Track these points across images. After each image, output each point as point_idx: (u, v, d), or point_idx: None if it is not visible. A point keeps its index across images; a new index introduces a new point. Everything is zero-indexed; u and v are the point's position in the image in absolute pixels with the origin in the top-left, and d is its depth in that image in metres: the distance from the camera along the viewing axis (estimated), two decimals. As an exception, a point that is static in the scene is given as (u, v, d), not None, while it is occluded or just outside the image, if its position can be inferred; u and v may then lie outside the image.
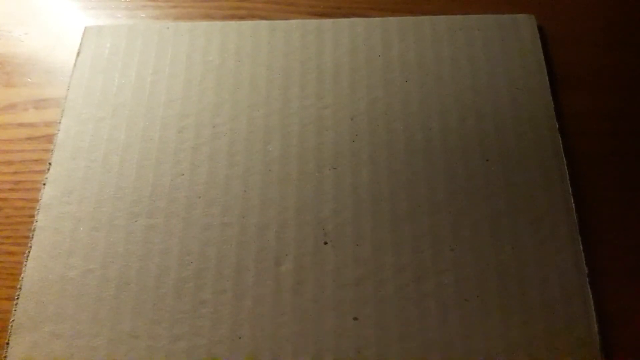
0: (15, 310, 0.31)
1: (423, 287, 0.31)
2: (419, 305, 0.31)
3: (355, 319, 0.30)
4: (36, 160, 0.36)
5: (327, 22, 0.40)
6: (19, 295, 0.32)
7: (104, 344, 0.30)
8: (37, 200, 0.34)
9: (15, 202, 0.35)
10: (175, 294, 0.31)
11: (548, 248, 0.32)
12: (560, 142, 0.35)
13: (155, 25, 0.40)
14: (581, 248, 0.32)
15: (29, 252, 0.33)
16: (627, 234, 0.33)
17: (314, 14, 0.41)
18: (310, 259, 0.32)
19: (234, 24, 0.40)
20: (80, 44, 0.39)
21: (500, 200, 0.33)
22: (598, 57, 0.39)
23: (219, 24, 0.40)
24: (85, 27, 0.40)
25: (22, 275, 0.32)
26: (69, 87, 0.38)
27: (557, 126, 0.35)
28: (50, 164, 0.35)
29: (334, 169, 0.34)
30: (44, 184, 0.35)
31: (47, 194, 0.34)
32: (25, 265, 0.32)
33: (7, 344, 0.30)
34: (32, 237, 0.33)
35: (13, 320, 0.31)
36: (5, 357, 0.30)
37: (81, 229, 0.33)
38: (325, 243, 0.32)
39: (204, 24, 0.40)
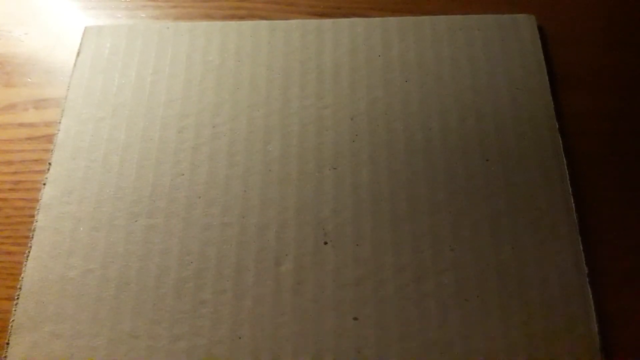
0: (15, 310, 0.31)
1: (423, 287, 0.31)
2: (419, 305, 0.31)
3: (355, 319, 0.30)
4: (36, 160, 0.36)
5: (327, 22, 0.40)
6: (19, 295, 0.32)
7: (104, 344, 0.30)
8: (37, 200, 0.34)
9: (15, 202, 0.35)
10: (175, 294, 0.31)
11: (548, 248, 0.32)
12: (560, 142, 0.35)
13: (155, 25, 0.40)
14: (581, 248, 0.32)
15: (29, 252, 0.33)
16: (627, 234, 0.33)
17: (314, 14, 0.41)
18: (310, 259, 0.32)
19: (234, 24, 0.40)
20: (80, 44, 0.39)
21: (500, 200, 0.33)
22: (598, 57, 0.39)
23: (219, 24, 0.40)
24: (85, 27, 0.40)
25: (22, 275, 0.32)
26: (69, 87, 0.38)
27: (557, 126, 0.35)
28: (50, 164, 0.35)
29: (334, 169, 0.34)
30: (44, 184, 0.35)
31: (47, 194, 0.34)
32: (25, 265, 0.32)
33: (7, 344, 0.30)
34: (32, 237, 0.33)
35: (13, 320, 0.31)
36: (5, 357, 0.30)
37: (81, 229, 0.33)
38: (325, 243, 0.32)
39: (204, 24, 0.40)
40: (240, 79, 0.38)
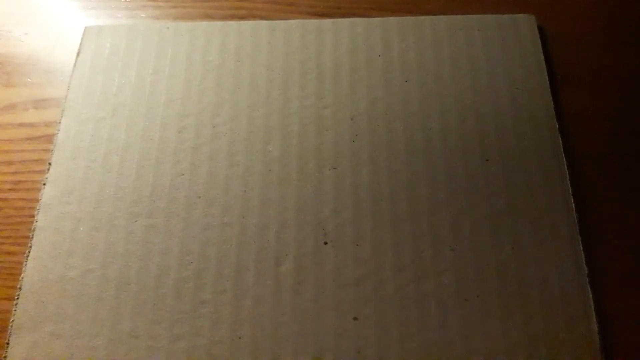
0: (15, 310, 0.31)
1: (423, 287, 0.31)
2: (419, 305, 0.31)
3: (355, 319, 0.30)
4: (36, 160, 0.36)
5: (327, 22, 0.40)
6: (19, 295, 0.32)
7: (104, 344, 0.30)
8: (37, 200, 0.34)
9: (15, 202, 0.35)
10: (175, 294, 0.31)
11: (548, 248, 0.32)
12: (560, 142, 0.35)
13: (155, 25, 0.40)
14: (581, 248, 0.32)
15: (29, 252, 0.33)
16: (627, 234, 0.33)
17: (314, 14, 0.41)
18: (310, 259, 0.32)
19: (234, 24, 0.40)
20: (80, 44, 0.39)
21: (500, 200, 0.33)
22: (598, 57, 0.39)
23: (219, 24, 0.40)
24: (85, 27, 0.40)
25: (22, 275, 0.32)
26: (69, 87, 0.38)
27: (557, 126, 0.35)
28: (50, 164, 0.35)
29: (334, 169, 0.34)
30: (44, 184, 0.35)
31: (47, 194, 0.34)
32: (25, 265, 0.32)
33: (7, 344, 0.30)
34: (32, 237, 0.33)
35: (13, 320, 0.31)
36: (5, 357, 0.30)
37: (81, 229, 0.33)
38: (325, 243, 0.32)
39: (204, 24, 0.40)
40: (240, 79, 0.38)
